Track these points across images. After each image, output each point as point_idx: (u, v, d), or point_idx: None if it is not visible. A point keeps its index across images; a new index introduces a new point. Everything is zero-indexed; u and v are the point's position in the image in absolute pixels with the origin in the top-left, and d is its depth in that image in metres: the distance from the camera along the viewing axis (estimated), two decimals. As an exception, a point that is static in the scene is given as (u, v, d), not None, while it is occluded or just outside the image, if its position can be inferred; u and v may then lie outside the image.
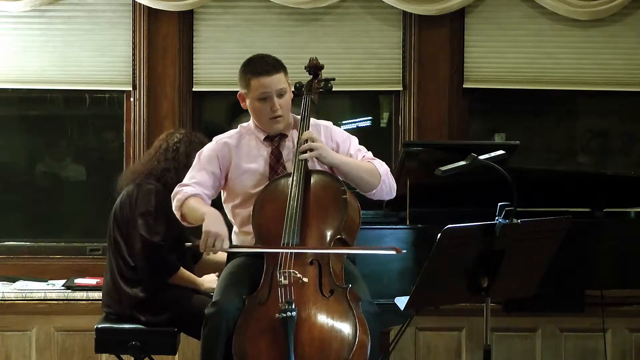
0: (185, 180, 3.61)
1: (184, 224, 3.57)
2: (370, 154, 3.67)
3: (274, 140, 3.62)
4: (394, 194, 3.66)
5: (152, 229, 4.09)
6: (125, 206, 4.18)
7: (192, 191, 3.54)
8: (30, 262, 5.33)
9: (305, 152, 3.46)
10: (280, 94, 3.55)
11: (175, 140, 4.28)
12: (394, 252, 3.30)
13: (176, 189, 3.59)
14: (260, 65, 3.56)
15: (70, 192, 5.65)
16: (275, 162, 3.60)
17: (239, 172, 3.61)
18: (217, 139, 3.70)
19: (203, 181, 3.58)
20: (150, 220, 4.09)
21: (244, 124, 3.71)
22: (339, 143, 3.65)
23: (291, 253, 3.30)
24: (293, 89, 3.67)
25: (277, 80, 3.53)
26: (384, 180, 3.57)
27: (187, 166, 4.16)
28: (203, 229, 3.31)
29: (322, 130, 3.65)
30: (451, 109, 5.37)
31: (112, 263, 4.20)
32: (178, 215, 3.56)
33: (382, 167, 3.60)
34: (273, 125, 3.59)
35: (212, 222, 3.31)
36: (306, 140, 3.48)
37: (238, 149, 3.63)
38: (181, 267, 4.16)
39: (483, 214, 3.25)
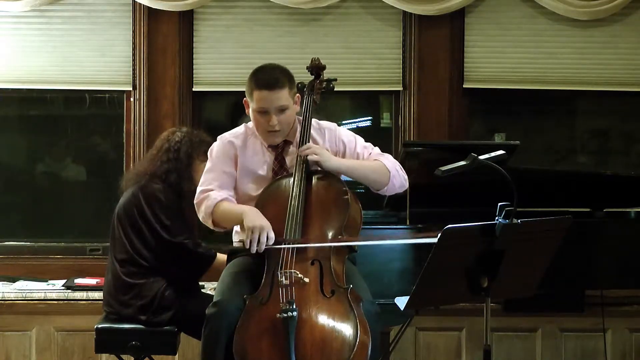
0: (205, 185, 3.55)
1: (216, 229, 3.53)
2: (377, 150, 3.65)
3: (278, 146, 3.60)
4: (407, 186, 3.65)
5: (172, 231, 4.08)
6: (130, 207, 4.16)
7: (219, 196, 3.50)
8: (30, 262, 5.32)
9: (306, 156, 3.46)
10: (281, 110, 3.50)
11: (177, 139, 4.26)
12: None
13: (199, 195, 3.54)
14: (265, 79, 3.50)
15: (70, 192, 5.64)
16: (279, 168, 3.58)
17: (243, 174, 3.59)
18: (222, 137, 3.67)
19: (224, 183, 3.55)
20: (167, 222, 4.08)
21: (250, 124, 3.67)
22: (345, 143, 3.63)
23: (292, 254, 3.29)
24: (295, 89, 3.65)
25: (278, 97, 3.48)
26: (393, 176, 3.55)
27: (189, 166, 4.18)
28: (245, 225, 3.29)
29: (327, 133, 3.64)
30: (451, 109, 5.36)
31: (115, 263, 4.19)
32: (209, 223, 3.52)
33: (389, 162, 3.57)
34: (269, 137, 3.56)
35: (253, 216, 3.30)
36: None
37: (243, 150, 3.61)
38: (217, 253, 4.14)
39: (483, 214, 3.24)
